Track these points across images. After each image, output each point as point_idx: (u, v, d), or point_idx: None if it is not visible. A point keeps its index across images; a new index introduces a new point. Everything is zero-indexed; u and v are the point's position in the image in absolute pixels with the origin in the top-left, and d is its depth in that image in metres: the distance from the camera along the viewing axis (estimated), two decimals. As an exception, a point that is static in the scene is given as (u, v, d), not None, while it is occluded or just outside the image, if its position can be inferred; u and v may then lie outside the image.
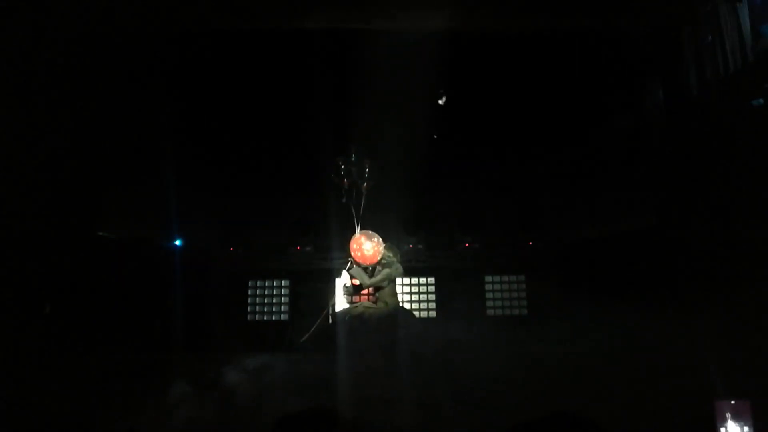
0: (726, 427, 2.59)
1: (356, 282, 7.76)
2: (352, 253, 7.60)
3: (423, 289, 9.83)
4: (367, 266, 7.65)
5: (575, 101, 8.15)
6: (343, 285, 7.90)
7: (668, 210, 7.51)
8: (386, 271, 7.71)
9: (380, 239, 7.61)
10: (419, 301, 9.80)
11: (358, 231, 7.70)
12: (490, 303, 9.68)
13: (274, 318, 9.72)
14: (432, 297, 9.78)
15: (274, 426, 1.45)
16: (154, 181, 7.85)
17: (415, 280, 9.73)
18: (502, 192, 9.04)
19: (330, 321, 8.32)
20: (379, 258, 7.57)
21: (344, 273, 7.86)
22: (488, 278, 9.77)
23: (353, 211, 7.82)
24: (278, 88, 7.88)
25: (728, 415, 2.60)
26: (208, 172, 8.42)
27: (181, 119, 7.55)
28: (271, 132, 8.24)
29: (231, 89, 7.85)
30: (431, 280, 9.83)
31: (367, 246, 7.52)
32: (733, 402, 2.61)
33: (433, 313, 9.70)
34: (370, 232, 7.69)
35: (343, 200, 7.78)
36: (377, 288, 7.71)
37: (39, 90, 6.20)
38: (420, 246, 9.42)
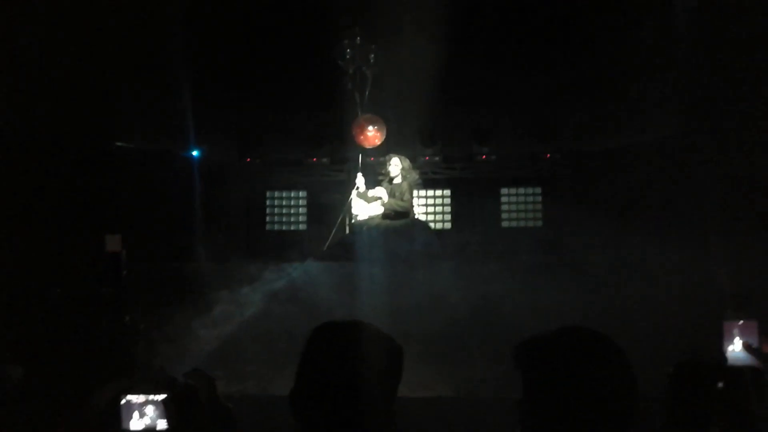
0: (733, 346, 2.67)
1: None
2: (355, 137, 7.69)
3: (438, 201, 9.88)
4: (386, 182, 7.70)
5: (599, 6, 7.80)
6: (355, 189, 7.95)
7: (692, 121, 7.36)
8: (406, 184, 7.74)
9: (382, 123, 7.65)
10: (434, 213, 9.87)
11: (360, 115, 7.74)
12: (505, 215, 9.73)
13: (292, 228, 9.88)
14: (447, 209, 9.84)
15: (310, 334, 1.49)
16: (172, 92, 7.75)
17: (431, 192, 9.77)
18: (519, 103, 8.84)
19: (347, 231, 8.45)
20: (380, 140, 7.67)
21: (358, 180, 7.90)
22: (504, 190, 9.77)
23: (357, 97, 7.78)
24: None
25: (736, 333, 2.68)
26: (224, 83, 8.29)
27: (197, 32, 7.35)
28: (286, 40, 8.02)
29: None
30: (447, 192, 9.85)
31: (369, 127, 7.59)
32: (741, 322, 2.68)
33: (448, 225, 9.79)
34: (371, 115, 7.70)
35: (349, 86, 7.74)
36: (411, 205, 7.77)
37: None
38: (436, 158, 9.37)
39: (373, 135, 7.79)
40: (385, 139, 8.69)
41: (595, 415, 1.25)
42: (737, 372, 1.08)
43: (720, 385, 1.08)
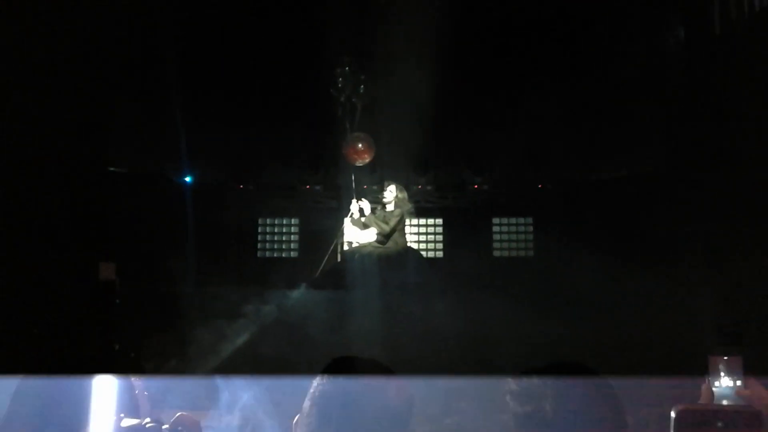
0: (718, 381, 2.64)
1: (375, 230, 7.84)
2: (346, 155, 7.77)
3: (431, 230, 9.89)
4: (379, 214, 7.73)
5: (590, 38, 7.93)
6: (349, 216, 7.97)
7: (683, 153, 7.44)
8: (398, 211, 7.77)
9: (371, 140, 7.75)
10: (426, 242, 9.87)
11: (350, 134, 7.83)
12: (497, 245, 9.74)
13: (284, 255, 9.84)
14: (439, 238, 9.85)
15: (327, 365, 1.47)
16: (163, 117, 7.77)
17: (423, 221, 9.78)
18: (512, 133, 8.92)
19: (339, 259, 8.44)
20: (370, 156, 7.74)
21: (352, 208, 7.93)
22: (496, 220, 9.79)
23: (348, 126, 7.86)
24: (287, 16, 7.69)
25: (722, 368, 2.65)
26: (217, 109, 8.33)
27: (189, 58, 7.41)
28: (279, 67, 8.09)
29: (238, 19, 7.67)
30: (439, 221, 9.87)
31: (360, 145, 7.67)
32: (726, 358, 2.65)
33: (440, 254, 9.79)
34: (361, 133, 7.79)
35: (339, 113, 7.82)
36: (393, 232, 7.77)
37: (45, 21, 6.07)
38: (429, 187, 9.41)
39: (362, 150, 7.88)
40: (378, 168, 8.73)
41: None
42: (737, 416, 1.07)
43: (720, 426, 1.07)
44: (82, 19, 6.39)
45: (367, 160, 8.04)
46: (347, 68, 7.63)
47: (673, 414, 1.12)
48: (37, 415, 1.51)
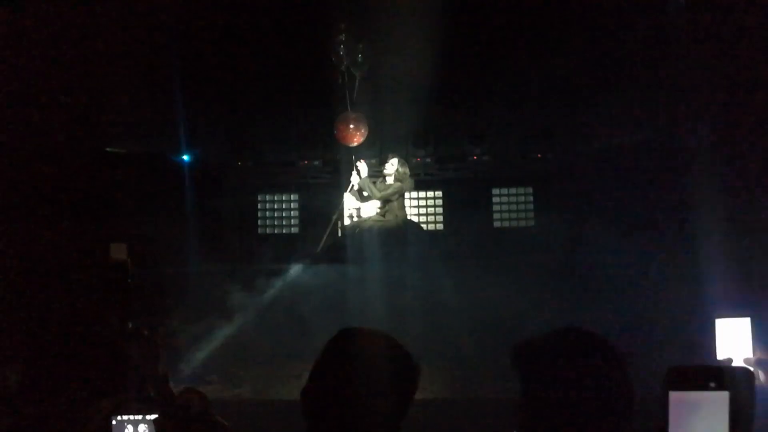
0: (724, 343, 2.68)
1: (365, 193, 7.86)
2: (338, 137, 7.76)
3: (431, 202, 9.89)
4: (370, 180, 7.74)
5: (591, 7, 7.84)
6: (350, 188, 7.97)
7: (682, 121, 7.41)
8: (398, 184, 7.77)
9: (364, 121, 7.72)
10: (426, 214, 9.89)
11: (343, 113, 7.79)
12: (497, 215, 9.76)
13: (284, 231, 9.87)
14: (439, 210, 9.87)
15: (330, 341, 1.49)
16: (162, 95, 7.72)
17: (422, 194, 9.78)
18: (511, 103, 8.87)
19: (339, 234, 8.46)
20: (358, 140, 7.73)
21: (352, 179, 7.92)
22: (495, 190, 9.80)
23: (348, 98, 7.82)
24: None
25: (727, 331, 2.69)
26: (215, 85, 8.26)
27: (186, 34, 7.32)
28: (276, 41, 8.01)
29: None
30: (438, 193, 9.87)
31: (350, 126, 7.66)
32: (732, 319, 2.69)
33: (440, 226, 9.81)
34: (353, 113, 7.76)
35: (339, 82, 7.77)
36: (387, 201, 7.80)
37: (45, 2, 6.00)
38: (428, 159, 9.39)
39: (352, 134, 7.85)
40: (378, 141, 8.70)
41: (592, 415, 1.27)
42: (729, 374, 1.09)
43: (712, 386, 1.09)
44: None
45: (361, 141, 8.00)
46: (344, 36, 7.54)
47: (665, 373, 1.16)
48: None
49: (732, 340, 2.60)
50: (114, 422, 2.40)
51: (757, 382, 1.23)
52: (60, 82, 6.66)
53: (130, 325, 5.15)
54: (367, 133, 7.92)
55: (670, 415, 1.12)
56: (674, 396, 1.13)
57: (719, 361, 2.60)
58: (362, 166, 7.90)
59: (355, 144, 8.03)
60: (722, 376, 1.10)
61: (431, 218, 9.83)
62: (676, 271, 5.79)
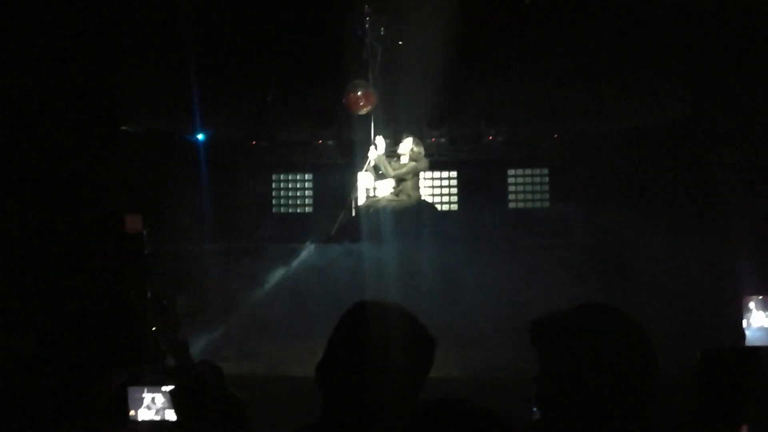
0: (749, 319, 2.65)
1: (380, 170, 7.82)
2: (347, 104, 7.72)
3: (445, 182, 9.84)
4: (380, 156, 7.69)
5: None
6: (367, 164, 7.92)
7: (700, 104, 7.28)
8: (412, 164, 7.72)
9: (375, 95, 7.66)
10: (441, 195, 9.84)
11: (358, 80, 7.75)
12: (512, 196, 9.69)
13: (298, 210, 9.88)
14: (454, 191, 9.81)
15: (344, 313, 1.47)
16: (175, 74, 7.70)
17: (437, 174, 9.73)
18: (527, 83, 8.75)
19: (353, 214, 8.45)
20: (366, 107, 7.68)
21: (370, 154, 7.87)
22: (511, 171, 9.72)
23: (369, 70, 7.76)
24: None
25: (753, 308, 2.66)
26: (229, 64, 8.22)
27: (201, 12, 7.27)
28: (290, 21, 7.94)
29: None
30: (453, 173, 9.81)
31: (359, 92, 7.60)
32: (760, 297, 2.66)
33: (455, 207, 9.77)
34: (362, 82, 7.71)
35: (364, 55, 7.72)
36: (401, 180, 7.76)
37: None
38: (443, 140, 9.32)
39: (362, 97, 7.78)
40: (393, 120, 8.62)
41: (614, 392, 1.24)
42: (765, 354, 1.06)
43: (747, 370, 1.07)
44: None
45: (369, 109, 7.93)
46: (369, 8, 7.48)
47: (699, 355, 1.13)
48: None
49: (760, 315, 2.57)
50: (130, 392, 2.42)
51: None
52: (76, 62, 6.67)
53: (149, 295, 5.20)
54: (375, 101, 7.84)
55: None
56: None
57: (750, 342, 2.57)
58: (380, 141, 7.86)
59: (363, 112, 7.95)
60: (759, 357, 1.08)
61: (446, 198, 9.79)
62: (698, 251, 5.70)
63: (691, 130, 7.40)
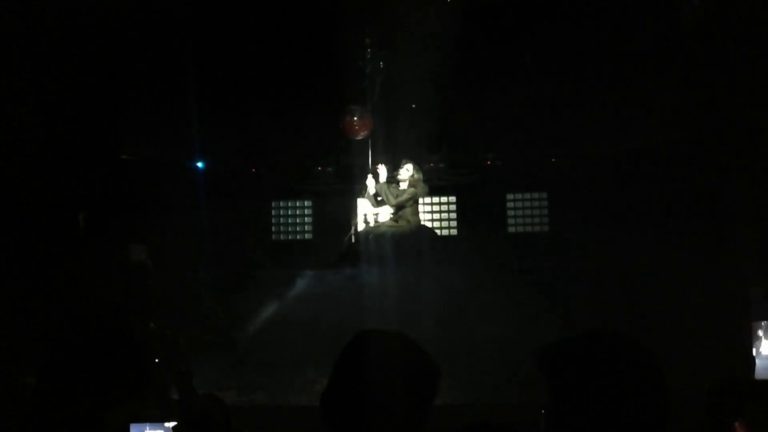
0: (759, 348, 2.62)
1: (379, 198, 7.84)
2: (344, 129, 7.76)
3: (444, 207, 9.84)
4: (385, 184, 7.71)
5: (603, 10, 7.78)
6: (365, 192, 7.93)
7: (696, 125, 7.32)
8: (411, 190, 7.75)
9: (371, 120, 7.70)
10: (440, 220, 9.84)
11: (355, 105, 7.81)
12: (511, 221, 9.69)
13: (298, 237, 9.86)
14: (453, 215, 9.81)
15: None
16: (175, 101, 7.75)
17: (436, 199, 9.73)
18: (525, 108, 8.82)
19: (353, 240, 8.44)
20: (368, 129, 7.72)
21: (368, 182, 7.89)
22: (510, 196, 9.73)
23: (368, 100, 7.83)
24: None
25: (761, 334, 2.63)
26: (229, 92, 8.29)
27: (200, 38, 7.35)
28: (290, 49, 8.03)
29: (249, 3, 7.61)
30: (452, 198, 9.82)
31: (356, 117, 7.65)
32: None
33: (454, 231, 9.76)
34: (358, 107, 7.77)
35: (363, 85, 7.80)
36: (400, 207, 7.77)
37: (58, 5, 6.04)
38: (441, 165, 9.36)
39: (359, 122, 7.83)
40: (392, 146, 8.67)
41: (625, 420, 1.22)
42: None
43: (756, 403, 1.05)
44: (95, 4, 6.37)
45: (366, 133, 7.99)
46: (370, 41, 7.60)
47: (708, 386, 1.11)
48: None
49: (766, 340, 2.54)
50: (132, 429, 2.37)
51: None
52: (75, 88, 6.71)
53: (152, 325, 5.15)
54: (372, 125, 7.90)
55: None
56: None
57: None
58: (382, 170, 7.88)
59: (361, 137, 8.00)
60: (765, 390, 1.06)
61: (445, 224, 9.78)
62: (702, 275, 5.67)
63: (691, 150, 7.43)
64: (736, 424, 1.25)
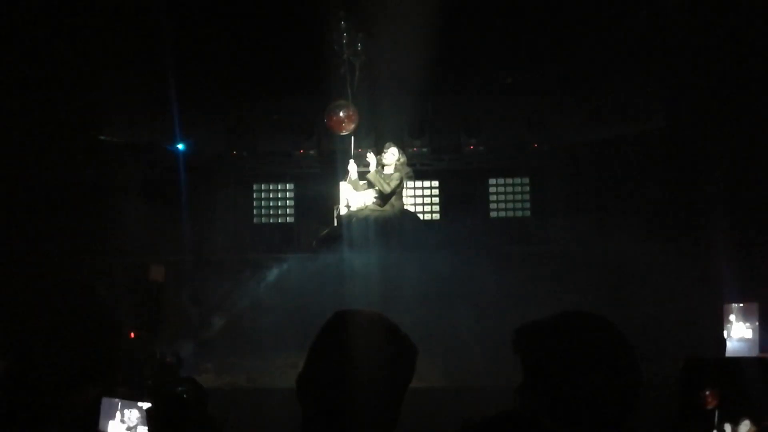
0: (730, 330, 2.67)
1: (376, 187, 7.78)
2: (329, 125, 7.71)
3: (427, 192, 9.86)
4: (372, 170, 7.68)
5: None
6: (347, 178, 7.90)
7: (679, 111, 7.38)
8: (398, 174, 7.72)
9: (357, 115, 7.67)
10: (423, 204, 9.86)
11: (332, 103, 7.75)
12: (493, 205, 9.74)
13: (279, 221, 9.82)
14: (436, 200, 9.83)
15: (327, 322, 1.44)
16: (156, 85, 7.63)
17: (419, 184, 9.75)
18: (507, 93, 8.82)
19: (336, 224, 8.42)
20: (348, 128, 7.68)
21: (350, 167, 7.85)
22: (492, 181, 9.77)
23: (348, 84, 7.76)
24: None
25: (733, 317, 2.68)
26: (210, 75, 8.18)
27: (181, 23, 7.23)
28: (272, 30, 7.93)
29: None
30: (435, 183, 9.84)
31: (341, 113, 7.60)
32: (741, 305, 2.68)
33: (436, 216, 9.78)
34: (343, 101, 7.72)
35: (342, 71, 7.72)
36: (392, 193, 7.73)
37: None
38: (424, 149, 9.33)
39: (343, 121, 7.78)
40: (374, 130, 8.64)
41: (597, 399, 1.24)
42: (746, 365, 1.07)
43: (729, 379, 1.07)
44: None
45: (351, 128, 7.93)
46: (345, 25, 7.49)
47: (682, 363, 1.13)
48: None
49: (740, 325, 2.59)
50: (103, 403, 2.34)
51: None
52: (55, 73, 6.59)
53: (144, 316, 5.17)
54: (357, 121, 7.85)
55: None
56: None
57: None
58: (371, 158, 7.81)
59: (346, 133, 7.96)
60: (740, 368, 1.08)
61: (427, 208, 9.80)
62: (677, 259, 5.76)
63: (671, 139, 7.50)
64: (707, 393, 1.27)
